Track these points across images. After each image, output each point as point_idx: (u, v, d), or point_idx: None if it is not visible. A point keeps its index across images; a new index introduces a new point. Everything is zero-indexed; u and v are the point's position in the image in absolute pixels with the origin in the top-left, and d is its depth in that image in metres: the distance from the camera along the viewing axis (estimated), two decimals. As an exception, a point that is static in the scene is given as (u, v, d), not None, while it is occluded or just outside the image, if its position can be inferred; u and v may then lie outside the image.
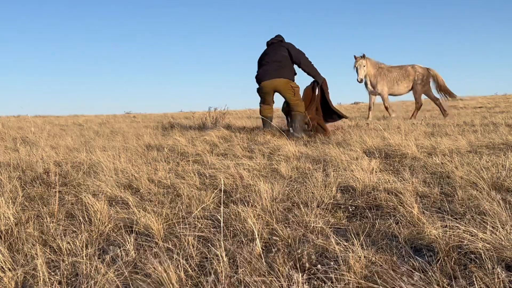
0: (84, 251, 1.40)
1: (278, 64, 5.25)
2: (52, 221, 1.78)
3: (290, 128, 5.13)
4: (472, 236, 1.33)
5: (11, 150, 4.26)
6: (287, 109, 5.37)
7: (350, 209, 1.88)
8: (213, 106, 7.36)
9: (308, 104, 5.40)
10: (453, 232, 1.39)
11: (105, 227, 1.68)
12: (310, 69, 5.31)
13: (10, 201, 1.93)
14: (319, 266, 1.24)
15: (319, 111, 5.45)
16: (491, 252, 1.23)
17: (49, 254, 1.41)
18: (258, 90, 5.34)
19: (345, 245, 1.32)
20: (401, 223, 1.62)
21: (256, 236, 1.35)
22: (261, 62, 5.46)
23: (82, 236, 1.54)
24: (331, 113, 5.45)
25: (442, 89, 8.63)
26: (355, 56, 8.39)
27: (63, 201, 2.17)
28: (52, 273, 1.28)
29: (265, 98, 5.27)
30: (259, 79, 5.30)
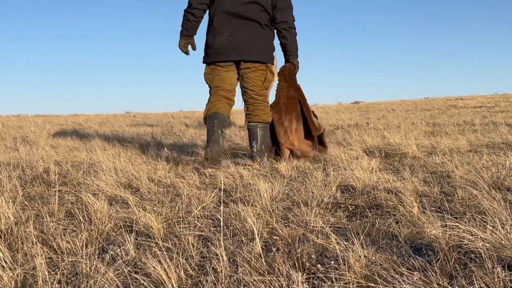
0: (84, 250, 1.40)
1: (251, 28, 2.97)
2: (52, 221, 1.78)
3: (253, 149, 3.01)
4: (472, 235, 1.33)
5: (11, 150, 4.25)
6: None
7: (350, 209, 1.88)
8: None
9: (285, 105, 3.14)
10: (453, 231, 1.39)
11: (105, 226, 1.68)
12: (291, 39, 3.07)
13: (10, 200, 1.93)
14: (319, 265, 1.23)
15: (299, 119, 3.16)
16: (491, 251, 1.23)
17: (49, 253, 1.41)
18: (209, 73, 3.10)
19: (345, 245, 1.32)
20: (401, 222, 1.62)
21: (256, 235, 1.35)
22: (214, 16, 2.99)
23: (82, 235, 1.54)
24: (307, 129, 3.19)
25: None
26: None
27: (63, 200, 2.17)
28: (52, 272, 1.28)
29: (222, 81, 3.05)
30: (213, 56, 3.03)
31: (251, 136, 3.04)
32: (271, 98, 3.42)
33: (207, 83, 3.13)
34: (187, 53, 3.16)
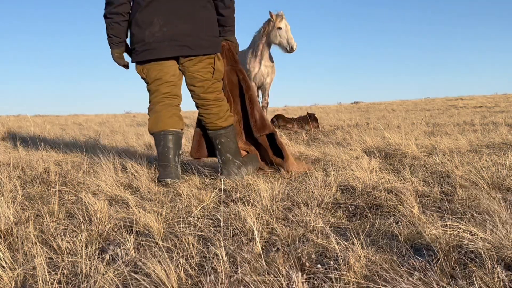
0: (84, 250, 1.40)
1: (191, 9, 2.36)
2: (52, 221, 1.78)
3: (219, 161, 2.58)
4: (472, 235, 1.33)
5: (11, 150, 4.25)
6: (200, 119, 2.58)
7: (350, 209, 1.88)
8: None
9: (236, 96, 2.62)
10: (453, 231, 1.39)
11: (105, 226, 1.68)
12: (230, 12, 2.51)
13: (10, 200, 1.93)
14: (319, 265, 1.23)
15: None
16: (491, 251, 1.23)
17: (49, 253, 1.41)
18: (146, 72, 2.46)
19: (345, 245, 1.32)
20: (401, 222, 1.62)
21: (256, 235, 1.35)
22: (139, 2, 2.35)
23: (82, 235, 1.54)
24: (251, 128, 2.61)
25: None
26: (273, 14, 5.21)
27: (63, 200, 2.16)
28: (52, 272, 1.28)
29: (162, 71, 2.43)
30: (143, 53, 2.39)
31: (218, 147, 2.53)
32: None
33: (143, 79, 2.51)
34: (126, 65, 2.56)
